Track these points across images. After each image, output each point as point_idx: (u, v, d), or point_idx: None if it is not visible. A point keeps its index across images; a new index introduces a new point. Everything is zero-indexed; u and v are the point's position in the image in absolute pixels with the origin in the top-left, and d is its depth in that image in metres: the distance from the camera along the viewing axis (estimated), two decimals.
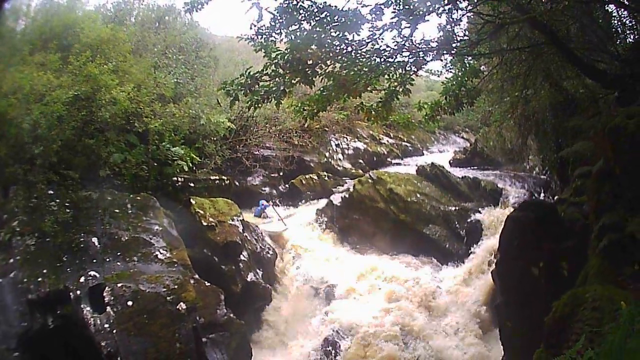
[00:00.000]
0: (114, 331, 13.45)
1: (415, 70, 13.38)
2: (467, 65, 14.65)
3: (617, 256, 9.63)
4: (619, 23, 14.64)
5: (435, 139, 44.76)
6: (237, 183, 26.70)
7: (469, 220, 24.16)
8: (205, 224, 20.05)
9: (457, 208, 25.02)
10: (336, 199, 27.01)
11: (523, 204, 18.90)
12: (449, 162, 33.51)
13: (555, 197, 19.32)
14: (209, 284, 16.64)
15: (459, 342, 18.83)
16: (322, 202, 27.49)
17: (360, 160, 34.46)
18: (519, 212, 15.54)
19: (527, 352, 9.76)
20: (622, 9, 14.40)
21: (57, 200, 16.12)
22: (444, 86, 14.84)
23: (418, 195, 25.61)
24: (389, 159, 36.31)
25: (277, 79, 12.57)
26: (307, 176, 29.97)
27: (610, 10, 14.84)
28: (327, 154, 32.78)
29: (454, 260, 23.04)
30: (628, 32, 14.43)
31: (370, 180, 26.76)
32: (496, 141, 30.37)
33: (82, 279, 14.48)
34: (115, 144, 18.99)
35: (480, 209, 24.46)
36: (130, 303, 14.07)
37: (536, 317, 10.19)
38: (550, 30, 11.69)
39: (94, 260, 15.22)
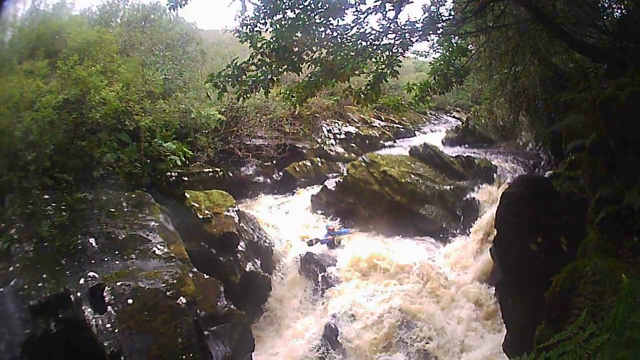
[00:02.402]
0: (116, 330, 13.40)
1: (402, 51, 13.38)
2: (454, 44, 14.66)
3: (616, 229, 9.61)
4: None
5: (426, 120, 44.87)
6: (230, 174, 26.66)
7: (464, 198, 24.29)
8: (200, 216, 20.01)
9: (452, 187, 25.07)
10: (330, 184, 27.08)
11: (518, 180, 18.94)
12: (442, 141, 33.52)
13: (550, 172, 19.14)
14: (207, 276, 16.60)
15: (461, 321, 18.87)
16: (317, 188, 27.55)
17: (353, 144, 34.49)
18: (514, 188, 15.57)
19: (530, 328, 9.77)
20: None
21: (53, 204, 16.16)
22: (432, 66, 14.87)
23: (412, 176, 25.68)
24: (381, 142, 36.28)
25: (264, 68, 12.61)
26: (300, 163, 30.06)
27: None
28: (319, 140, 32.81)
29: (451, 239, 23.20)
30: (615, 6, 14.35)
31: (363, 164, 26.83)
32: (487, 119, 30.39)
33: (81, 281, 14.47)
34: (107, 143, 19.01)
35: (475, 187, 24.55)
36: (130, 301, 14.02)
37: (537, 293, 10.19)
38: (536, 7, 11.65)
39: (93, 261, 15.23)
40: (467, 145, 31.75)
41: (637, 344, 4.45)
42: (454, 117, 46.55)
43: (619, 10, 14.20)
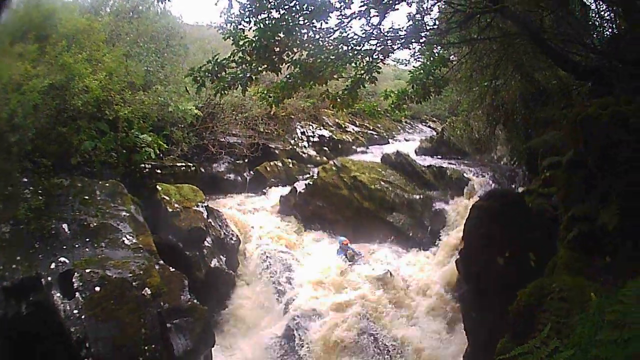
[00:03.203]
0: (83, 317, 13.42)
1: (383, 58, 13.49)
2: (436, 54, 14.72)
3: (588, 247, 9.65)
4: (597, 16, 14.64)
5: (401, 128, 44.88)
6: (202, 170, 26.57)
7: (433, 208, 24.30)
8: (170, 210, 20.05)
9: (421, 196, 25.04)
10: (300, 185, 27.03)
11: (489, 193, 18.97)
12: (415, 150, 33.43)
13: (523, 188, 19.23)
14: (173, 269, 16.56)
15: (422, 331, 18.84)
16: (286, 189, 27.42)
17: (325, 148, 34.45)
18: (485, 201, 15.54)
19: (492, 342, 9.78)
20: (600, 2, 14.44)
21: (31, 188, 16.26)
22: (411, 75, 14.96)
23: (382, 183, 25.64)
24: (354, 147, 36.29)
25: (243, 66, 12.70)
26: (271, 163, 29.87)
27: (587, 2, 14.88)
28: (292, 142, 32.76)
29: (418, 249, 23.17)
30: (606, 25, 14.41)
31: (334, 168, 26.77)
32: (463, 130, 30.43)
33: (52, 265, 14.52)
34: (86, 131, 19.15)
35: (445, 198, 24.62)
36: (97, 288, 14.05)
37: (501, 308, 10.21)
38: (523, 21, 11.71)
39: (64, 247, 15.28)
40: (440, 156, 31.63)
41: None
42: (429, 127, 46.56)
43: (610, 30, 14.27)
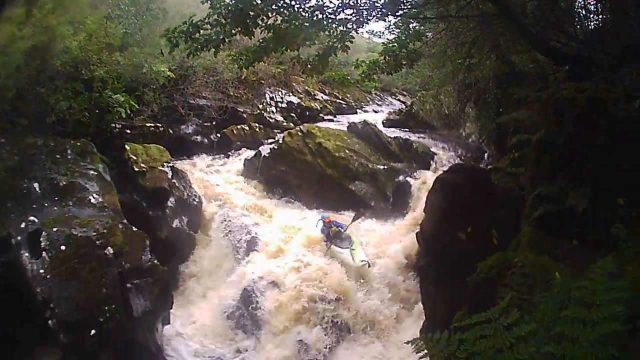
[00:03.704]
0: (48, 277, 13.47)
1: (357, 28, 13.45)
2: (412, 28, 14.70)
3: (554, 228, 9.57)
4: (583, 8, 14.56)
5: (370, 99, 44.85)
6: (171, 131, 26.47)
7: (397, 180, 24.44)
8: (136, 169, 20.04)
9: (385, 167, 25.19)
10: (265, 150, 27.12)
11: (454, 167, 18.74)
12: (383, 122, 33.38)
13: (491, 166, 19.33)
14: (136, 229, 16.46)
15: (379, 301, 18.97)
16: (252, 153, 27.52)
17: (293, 114, 34.47)
18: (450, 175, 15.40)
19: (449, 317, 9.59)
20: None
21: (7, 148, 16.28)
22: (385, 46, 14.88)
23: (347, 151, 25.75)
24: (321, 115, 36.33)
25: (217, 28, 12.65)
26: (238, 126, 29.93)
27: None
28: (260, 106, 32.69)
29: (378, 219, 23.27)
30: (592, 16, 14.34)
31: (300, 133, 26.91)
32: (433, 105, 30.34)
33: (22, 225, 14.50)
34: (62, 91, 19.16)
35: (409, 171, 24.67)
36: (63, 247, 14.07)
37: (460, 283, 10.14)
38: (504, 3, 11.70)
39: (34, 206, 15.29)
40: (407, 129, 31.51)
41: (568, 340, 4.34)
42: (399, 100, 46.47)
43: (595, 22, 14.24)
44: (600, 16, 14.13)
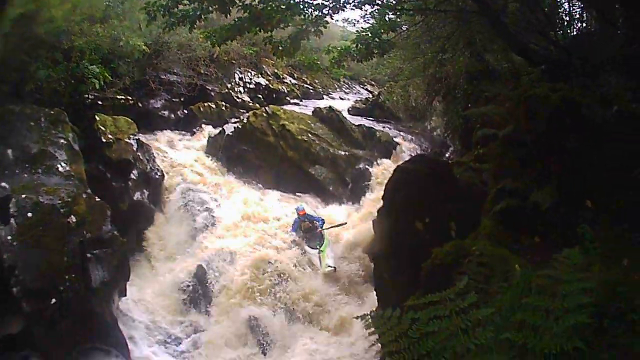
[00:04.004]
0: (15, 244, 13.57)
1: (332, 13, 13.56)
2: (387, 19, 14.78)
3: (515, 223, 9.55)
4: (567, 14, 14.56)
5: (338, 87, 44.83)
6: (140, 104, 26.62)
7: (357, 167, 24.87)
8: (104, 140, 20.10)
9: (347, 153, 25.55)
10: (229, 128, 27.29)
11: (416, 157, 19.03)
12: (348, 109, 33.63)
13: (454, 160, 19.23)
14: (98, 199, 16.51)
15: (331, 286, 19.29)
16: (216, 130, 27.68)
17: (260, 96, 34.50)
18: (410, 164, 15.45)
19: (402, 303, 9.75)
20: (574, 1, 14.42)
21: None
22: (358, 35, 14.96)
23: (310, 135, 26.11)
24: (288, 98, 36.36)
25: (195, 4, 12.72)
26: (205, 104, 29.99)
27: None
28: (229, 86, 32.76)
29: (335, 204, 23.70)
30: (575, 23, 14.37)
31: (264, 114, 27.17)
32: (400, 96, 30.36)
33: None
34: (43, 60, 19.21)
35: (371, 159, 25.10)
36: (30, 215, 14.21)
37: (414, 272, 10.16)
38: (484, 1, 11.79)
39: (6, 172, 15.28)
40: (373, 119, 31.85)
41: (529, 328, 4.35)
42: (367, 89, 46.27)
43: (578, 28, 14.29)
44: (584, 24, 14.22)
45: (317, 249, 20.27)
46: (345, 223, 21.51)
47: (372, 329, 4.89)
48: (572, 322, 4.19)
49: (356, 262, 20.10)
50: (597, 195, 8.30)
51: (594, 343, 4.50)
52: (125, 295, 17.37)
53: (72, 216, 14.87)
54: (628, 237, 7.35)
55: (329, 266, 19.49)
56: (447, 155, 23.76)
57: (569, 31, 13.76)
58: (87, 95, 21.82)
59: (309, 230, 20.94)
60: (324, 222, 21.36)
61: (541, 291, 4.67)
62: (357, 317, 5.17)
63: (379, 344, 4.99)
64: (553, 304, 4.39)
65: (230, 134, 26.70)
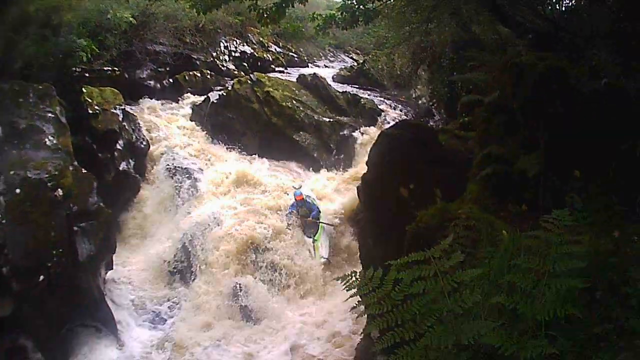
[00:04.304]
0: (4, 221, 13.50)
1: None
2: None
3: (501, 190, 9.47)
4: None
5: (323, 55, 44.65)
6: (127, 75, 26.51)
7: (341, 133, 24.89)
8: (90, 111, 20.21)
9: (331, 120, 25.63)
10: (214, 96, 27.30)
11: (401, 122, 18.94)
12: (333, 77, 33.68)
13: (439, 128, 19.03)
14: (85, 171, 16.58)
15: (315, 253, 19.40)
16: (201, 99, 27.63)
17: (245, 64, 34.49)
18: (395, 130, 15.03)
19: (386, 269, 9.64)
20: None
21: None
22: (343, 2, 14.92)
23: (294, 102, 26.17)
24: (272, 66, 36.25)
25: None
26: (190, 73, 29.91)
27: None
28: (214, 54, 32.74)
29: (319, 170, 23.81)
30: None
31: (249, 82, 27.20)
32: (386, 64, 30.37)
33: None
34: (32, 37, 19.13)
35: (355, 125, 25.12)
36: (18, 191, 14.18)
37: (399, 238, 9.92)
38: None
39: None
40: (357, 86, 31.81)
41: (519, 291, 4.29)
42: (352, 58, 46.01)
43: (567, 3, 14.16)
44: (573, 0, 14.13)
45: (311, 237, 19.91)
46: (337, 225, 20.76)
47: (354, 290, 4.77)
48: (563, 286, 4.14)
49: (341, 228, 20.35)
50: (585, 166, 8.25)
51: (586, 316, 4.42)
52: (112, 269, 17.49)
53: (59, 189, 14.87)
54: (618, 209, 7.25)
55: (323, 257, 19.34)
56: (432, 123, 23.78)
57: (557, 7, 13.68)
58: (74, 69, 21.78)
59: (306, 215, 20.20)
60: (319, 212, 20.45)
61: (531, 253, 4.57)
62: (337, 279, 5.01)
63: (363, 306, 4.81)
64: (544, 266, 4.31)
65: (215, 101, 26.71)
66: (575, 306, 4.04)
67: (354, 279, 4.83)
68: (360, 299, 4.78)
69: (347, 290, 4.78)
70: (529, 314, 4.09)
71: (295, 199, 20.23)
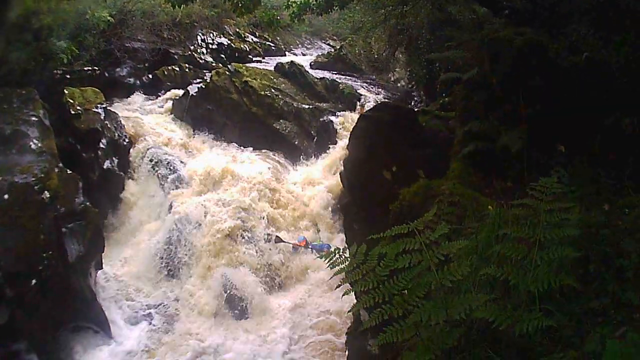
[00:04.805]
0: None
1: None
2: None
3: (485, 166, 9.52)
4: None
5: (300, 43, 44.57)
6: (106, 74, 26.60)
7: (321, 119, 24.97)
8: (72, 112, 20.15)
9: (310, 107, 25.72)
10: (193, 89, 27.19)
11: (380, 105, 18.93)
12: (310, 64, 33.67)
13: (419, 109, 18.95)
14: (70, 172, 16.50)
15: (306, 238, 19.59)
16: (180, 92, 27.47)
17: (223, 55, 34.46)
18: (375, 112, 15.09)
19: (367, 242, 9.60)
20: None
21: None
22: None
23: (272, 90, 26.22)
24: (250, 56, 36.13)
25: None
26: (169, 67, 29.85)
27: None
28: (192, 48, 32.75)
29: (302, 158, 23.95)
30: None
31: (227, 72, 27.23)
32: (362, 49, 30.46)
33: None
34: (14, 43, 19.06)
35: (335, 110, 25.29)
36: (6, 196, 14.15)
37: (385, 223, 9.10)
38: None
39: None
40: (335, 72, 31.78)
41: (510, 262, 4.22)
42: (329, 44, 45.93)
43: None
44: None
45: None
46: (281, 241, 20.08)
47: (338, 268, 4.70)
48: (556, 255, 4.09)
49: (327, 213, 20.48)
50: (569, 141, 8.33)
51: (581, 290, 4.40)
52: (102, 268, 17.49)
53: (46, 192, 14.87)
54: (605, 182, 7.28)
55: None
56: (411, 105, 23.86)
57: None
58: (56, 71, 21.85)
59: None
60: (329, 247, 18.85)
61: (521, 220, 4.58)
62: (320, 257, 4.97)
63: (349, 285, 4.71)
64: (534, 235, 4.26)
65: (195, 94, 26.65)
66: (570, 277, 3.99)
67: (337, 255, 4.78)
68: (344, 278, 4.71)
69: (330, 268, 4.72)
70: (521, 286, 4.03)
71: (300, 244, 19.76)
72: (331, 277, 4.91)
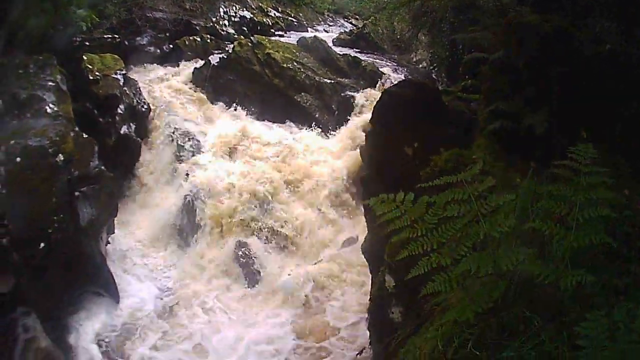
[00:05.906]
0: (4, 192, 13.38)
1: None
2: None
3: (510, 145, 9.49)
4: None
5: (322, 20, 44.54)
6: (127, 42, 26.61)
7: (343, 94, 24.83)
8: (91, 77, 20.09)
9: (332, 82, 25.57)
10: (214, 59, 27.18)
11: (404, 82, 18.83)
12: (333, 40, 33.42)
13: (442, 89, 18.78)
14: (86, 136, 16.44)
15: (319, 212, 19.54)
16: (201, 62, 27.53)
17: (244, 28, 34.43)
18: (398, 88, 14.75)
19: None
20: None
21: None
22: None
23: (295, 63, 26.15)
24: (272, 30, 36.20)
25: None
26: (190, 37, 29.78)
27: None
28: (214, 19, 32.80)
29: (322, 131, 23.85)
30: None
31: (250, 44, 27.15)
32: (385, 28, 30.39)
33: None
34: (32, 11, 18.84)
35: (356, 87, 25.14)
36: (19, 159, 13.99)
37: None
38: None
39: None
40: (358, 50, 31.62)
41: (554, 218, 4.19)
42: (351, 23, 45.91)
43: None
44: None
45: None
46: None
47: (380, 215, 4.74)
48: (598, 214, 4.03)
49: (345, 188, 20.31)
50: (590, 127, 8.08)
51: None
52: (114, 233, 17.47)
53: (60, 155, 14.67)
54: (624, 170, 7.40)
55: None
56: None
57: None
58: (75, 38, 21.65)
59: None
60: None
61: (561, 180, 4.56)
62: (363, 202, 5.05)
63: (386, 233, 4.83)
64: (575, 194, 4.24)
65: (216, 64, 26.64)
66: (610, 234, 3.95)
67: (388, 198, 4.83)
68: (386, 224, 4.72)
69: (373, 215, 4.92)
70: (565, 242, 3.99)
71: None
72: (379, 223, 4.92)
